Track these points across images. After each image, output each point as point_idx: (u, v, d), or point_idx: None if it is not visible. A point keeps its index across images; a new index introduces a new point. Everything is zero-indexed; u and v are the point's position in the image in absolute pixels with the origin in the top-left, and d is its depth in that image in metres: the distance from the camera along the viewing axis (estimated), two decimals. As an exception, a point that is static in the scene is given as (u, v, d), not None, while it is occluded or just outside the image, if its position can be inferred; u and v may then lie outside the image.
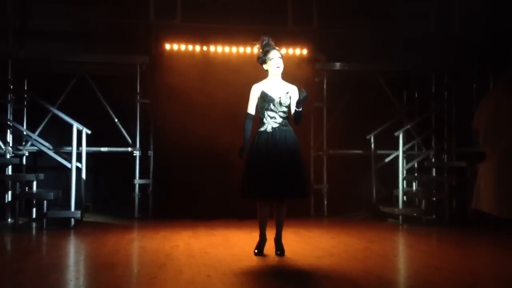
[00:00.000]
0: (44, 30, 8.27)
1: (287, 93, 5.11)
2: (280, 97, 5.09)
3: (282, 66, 5.15)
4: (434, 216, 8.02)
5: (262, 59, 5.18)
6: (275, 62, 5.11)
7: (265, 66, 5.20)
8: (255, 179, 4.93)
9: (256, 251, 5.12)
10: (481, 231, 6.84)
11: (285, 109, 5.10)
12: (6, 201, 7.51)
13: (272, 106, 5.07)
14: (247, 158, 5.03)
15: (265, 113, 5.09)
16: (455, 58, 8.56)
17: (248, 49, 8.01)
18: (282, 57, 5.19)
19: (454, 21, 8.67)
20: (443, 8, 8.82)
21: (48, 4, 8.35)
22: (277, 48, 5.21)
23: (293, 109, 5.08)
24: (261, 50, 5.21)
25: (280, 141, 5.01)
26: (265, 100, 5.09)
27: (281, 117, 5.09)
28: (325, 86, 8.62)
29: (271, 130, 5.05)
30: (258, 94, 5.12)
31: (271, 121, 5.07)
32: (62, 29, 8.29)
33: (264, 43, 5.20)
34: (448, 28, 8.75)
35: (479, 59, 8.23)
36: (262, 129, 5.08)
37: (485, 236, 6.57)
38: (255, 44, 5.31)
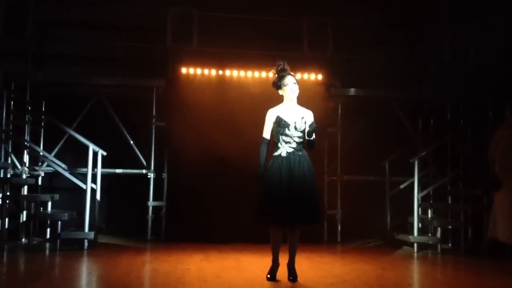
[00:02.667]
0: (62, 54, 8.43)
1: (302, 118, 5.12)
2: (295, 122, 5.10)
3: (297, 92, 5.17)
4: (449, 245, 7.92)
5: (277, 84, 5.21)
6: (289, 88, 5.14)
7: (280, 92, 5.23)
8: (270, 204, 4.92)
9: (268, 276, 5.08)
10: (498, 261, 6.72)
11: (300, 134, 5.10)
12: (21, 221, 7.56)
13: (287, 131, 5.08)
14: (262, 184, 5.03)
15: (280, 138, 5.10)
16: (470, 87, 8.54)
17: (264, 74, 8.06)
18: (297, 82, 5.22)
19: (470, 50, 8.67)
20: (458, 37, 8.83)
21: (66, 28, 8.52)
22: (292, 73, 5.23)
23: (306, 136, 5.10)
24: (276, 75, 5.24)
25: (294, 166, 5.01)
26: (280, 125, 5.10)
27: (296, 142, 5.09)
28: (339, 112, 8.64)
29: (286, 155, 5.05)
30: (274, 119, 5.13)
31: (286, 146, 5.08)
32: (80, 53, 8.43)
33: (279, 68, 5.23)
34: (463, 57, 8.75)
35: (494, 88, 8.21)
36: (276, 153, 5.08)
37: (501, 266, 6.45)
38: (271, 69, 5.33)
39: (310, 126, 4.98)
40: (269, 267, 5.15)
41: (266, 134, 5.17)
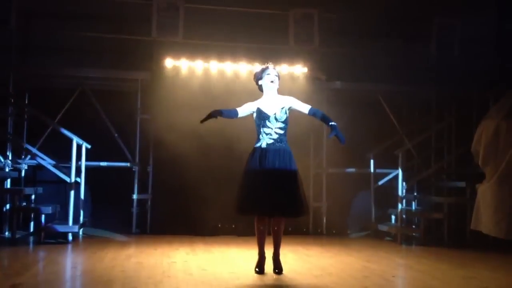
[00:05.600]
0: (46, 46, 8.32)
1: (283, 108, 5.15)
2: (275, 113, 5.13)
3: (276, 82, 5.21)
4: (433, 236, 7.99)
5: (259, 76, 5.28)
6: (270, 77, 5.19)
7: (260, 82, 5.27)
8: (250, 195, 4.94)
9: (257, 269, 5.10)
10: (480, 252, 6.81)
11: (281, 125, 5.13)
12: (4, 214, 7.48)
13: (267, 123, 5.12)
14: (243, 175, 5.06)
15: (261, 130, 5.14)
16: (455, 80, 8.61)
17: (249, 66, 8.04)
18: (279, 77, 5.27)
19: (455, 43, 8.73)
20: (444, 31, 8.88)
21: (50, 19, 8.41)
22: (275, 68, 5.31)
23: (303, 108, 5.18)
24: (260, 70, 5.31)
25: (274, 157, 5.03)
26: (260, 117, 5.13)
27: (276, 133, 5.12)
28: (325, 105, 8.63)
29: (265, 146, 5.08)
30: (253, 109, 5.18)
31: (267, 137, 5.11)
32: (64, 45, 8.33)
33: (266, 66, 5.29)
34: (448, 49, 8.81)
35: (479, 81, 8.29)
36: (257, 145, 5.13)
37: (484, 257, 6.54)
38: (260, 64, 5.38)
39: (333, 129, 5.04)
40: (255, 260, 5.17)
41: (240, 108, 5.20)
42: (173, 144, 7.75)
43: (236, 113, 5.20)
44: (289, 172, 5.02)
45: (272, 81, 5.18)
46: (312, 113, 5.18)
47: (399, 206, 7.77)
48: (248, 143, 5.30)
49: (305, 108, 5.20)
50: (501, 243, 6.69)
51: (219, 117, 5.13)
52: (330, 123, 5.08)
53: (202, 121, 5.12)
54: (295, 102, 5.22)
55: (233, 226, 7.79)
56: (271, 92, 5.20)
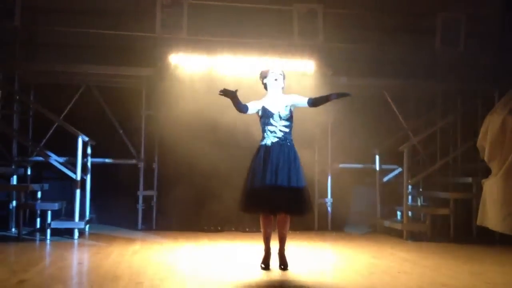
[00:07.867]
0: (51, 42, 8.34)
1: (286, 106, 5.16)
2: (279, 111, 5.14)
3: (280, 81, 5.23)
4: (439, 232, 7.97)
5: (264, 74, 5.31)
6: (274, 75, 5.22)
7: (264, 80, 5.29)
8: (255, 193, 4.95)
9: (262, 265, 5.10)
10: (487, 248, 6.79)
11: (285, 123, 5.14)
12: (10, 211, 7.50)
13: (271, 121, 5.13)
14: (248, 173, 5.08)
15: (266, 128, 5.15)
16: (460, 75, 8.58)
17: (254, 62, 8.01)
18: (284, 75, 5.27)
19: (460, 38, 8.70)
20: (449, 26, 8.84)
21: (55, 16, 8.42)
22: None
23: (303, 102, 5.15)
24: (265, 69, 5.35)
25: (279, 155, 5.04)
26: (264, 115, 5.16)
27: (281, 131, 5.13)
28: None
29: (270, 144, 5.09)
30: (258, 107, 5.20)
31: (271, 135, 5.12)
32: (69, 42, 8.34)
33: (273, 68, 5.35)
34: (454, 45, 8.78)
35: (484, 76, 8.27)
36: (262, 143, 5.15)
37: (491, 253, 6.53)
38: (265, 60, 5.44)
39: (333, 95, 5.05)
40: (261, 256, 5.17)
41: (248, 104, 5.18)
42: (178, 140, 7.74)
43: (247, 108, 5.18)
44: (293, 170, 5.02)
45: (276, 79, 5.20)
46: (310, 102, 5.17)
47: (405, 202, 7.74)
48: (255, 140, 5.31)
49: (304, 101, 5.19)
50: (508, 239, 6.68)
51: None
52: (329, 94, 5.11)
53: (220, 93, 5.11)
54: (296, 98, 5.22)
55: (239, 222, 7.80)
56: (275, 90, 5.22)
